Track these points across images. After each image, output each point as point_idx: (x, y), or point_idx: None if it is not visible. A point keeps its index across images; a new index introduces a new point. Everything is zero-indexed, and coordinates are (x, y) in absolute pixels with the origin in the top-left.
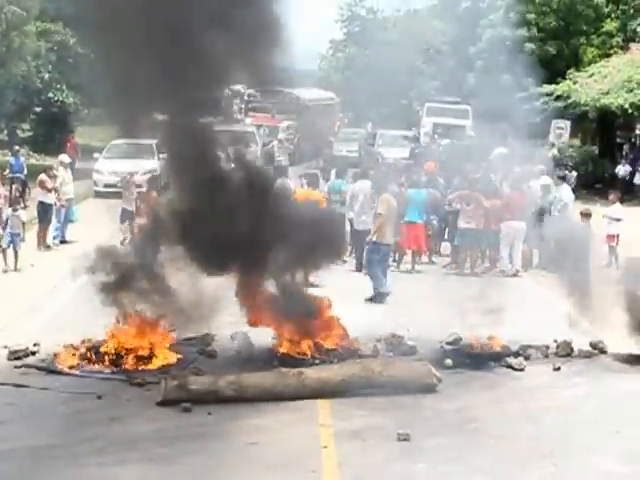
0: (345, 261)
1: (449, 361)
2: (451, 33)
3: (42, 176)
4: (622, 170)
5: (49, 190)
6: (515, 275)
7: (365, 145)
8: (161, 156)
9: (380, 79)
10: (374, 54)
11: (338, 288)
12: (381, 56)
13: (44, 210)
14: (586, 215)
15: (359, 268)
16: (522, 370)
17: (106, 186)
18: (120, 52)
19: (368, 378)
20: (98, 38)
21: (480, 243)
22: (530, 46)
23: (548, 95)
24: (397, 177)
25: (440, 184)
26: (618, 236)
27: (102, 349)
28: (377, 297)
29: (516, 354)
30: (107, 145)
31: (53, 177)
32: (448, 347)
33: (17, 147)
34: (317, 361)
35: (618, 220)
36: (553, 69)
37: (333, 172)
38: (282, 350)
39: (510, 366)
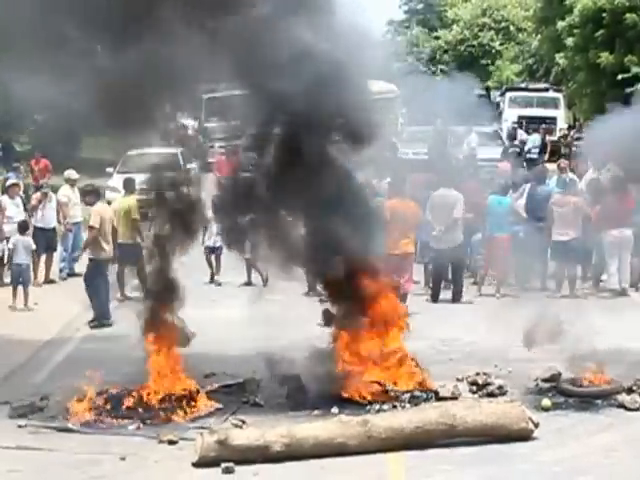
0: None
1: (547, 401)
2: (535, 6)
3: (38, 195)
4: None
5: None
6: None
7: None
8: (189, 166)
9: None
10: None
11: None
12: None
13: (45, 237)
14: None
15: (435, 298)
16: (638, 410)
17: None
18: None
19: (449, 425)
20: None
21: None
22: (632, 17)
23: None
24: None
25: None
26: None
27: (124, 400)
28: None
29: (629, 390)
30: (121, 157)
31: (45, 196)
32: (545, 384)
33: (16, 163)
34: (386, 406)
35: None
36: None
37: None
38: (342, 393)
39: (623, 405)
